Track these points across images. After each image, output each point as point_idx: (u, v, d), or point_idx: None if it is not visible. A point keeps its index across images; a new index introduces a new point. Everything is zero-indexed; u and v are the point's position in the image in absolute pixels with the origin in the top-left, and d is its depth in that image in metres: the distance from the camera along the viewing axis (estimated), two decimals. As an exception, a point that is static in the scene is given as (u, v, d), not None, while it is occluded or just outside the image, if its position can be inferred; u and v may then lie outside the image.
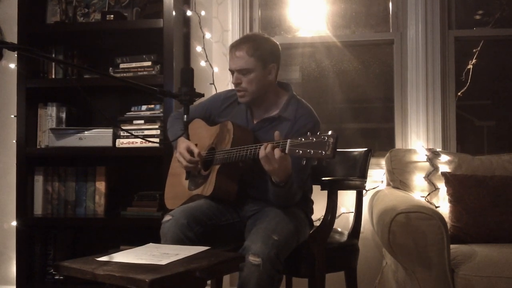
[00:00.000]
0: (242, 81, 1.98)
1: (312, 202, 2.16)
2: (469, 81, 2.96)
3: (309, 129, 1.90)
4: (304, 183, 1.98)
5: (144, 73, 2.72)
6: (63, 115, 2.83)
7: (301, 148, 1.60)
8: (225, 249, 1.95)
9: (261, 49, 1.97)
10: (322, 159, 1.56)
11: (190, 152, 1.98)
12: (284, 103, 2.05)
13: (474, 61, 2.99)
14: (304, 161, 1.62)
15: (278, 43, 2.07)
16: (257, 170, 1.83)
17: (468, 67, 2.98)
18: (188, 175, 2.11)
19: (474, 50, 2.99)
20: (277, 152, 1.68)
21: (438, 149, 2.68)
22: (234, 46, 2.01)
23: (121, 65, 2.75)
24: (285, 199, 1.90)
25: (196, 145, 2.00)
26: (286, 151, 1.65)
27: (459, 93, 2.91)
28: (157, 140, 2.63)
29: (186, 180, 2.12)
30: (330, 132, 1.56)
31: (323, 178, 2.01)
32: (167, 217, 1.90)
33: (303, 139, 1.61)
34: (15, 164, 2.76)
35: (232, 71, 2.02)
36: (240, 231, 2.00)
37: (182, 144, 2.00)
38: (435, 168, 2.55)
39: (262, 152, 1.71)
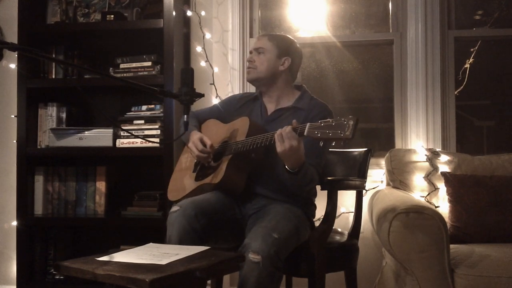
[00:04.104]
0: (255, 59, 2.13)
1: (315, 206, 2.16)
2: (466, 79, 2.97)
3: (324, 117, 1.94)
4: (321, 167, 2.02)
5: (144, 73, 2.72)
6: (63, 115, 2.83)
7: (320, 130, 1.64)
8: (225, 248, 1.96)
9: (279, 40, 2.15)
10: (341, 140, 1.59)
11: (203, 143, 2.03)
12: (298, 97, 2.14)
13: (471, 60, 2.99)
14: (322, 143, 1.64)
15: (300, 48, 2.20)
16: (268, 163, 1.84)
17: (465, 66, 2.99)
18: (195, 168, 2.12)
19: (472, 49, 3.00)
20: (291, 133, 1.73)
21: (438, 149, 2.68)
22: (260, 35, 2.24)
23: (121, 65, 2.76)
24: (299, 186, 1.93)
25: None
26: (305, 133, 1.68)
27: (456, 92, 2.92)
28: (157, 140, 2.63)
29: (193, 173, 2.13)
30: (350, 116, 1.60)
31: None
32: (174, 208, 1.91)
33: (322, 123, 1.64)
34: (15, 164, 2.76)
35: (250, 53, 2.18)
36: (241, 229, 2.01)
37: (195, 135, 2.06)
38: (435, 168, 2.55)
39: (278, 131, 1.76)
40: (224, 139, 2.09)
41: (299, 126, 1.73)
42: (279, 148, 1.75)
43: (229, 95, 2.71)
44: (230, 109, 2.25)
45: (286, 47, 2.14)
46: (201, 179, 2.07)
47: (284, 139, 1.73)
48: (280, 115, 2.10)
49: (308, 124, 1.69)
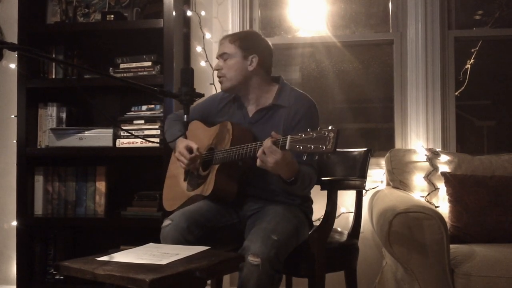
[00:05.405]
0: (222, 67, 2.06)
1: (311, 202, 2.16)
2: (467, 80, 2.97)
3: (306, 111, 1.95)
4: (316, 161, 1.93)
5: (144, 73, 2.72)
6: (63, 115, 2.83)
7: (301, 143, 1.60)
8: (225, 250, 1.95)
9: (243, 40, 2.05)
10: (323, 153, 1.56)
11: (189, 150, 1.98)
12: (276, 93, 2.06)
13: (472, 60, 2.99)
14: (305, 157, 1.62)
15: (267, 40, 2.12)
16: (257, 169, 1.83)
17: (466, 66, 2.99)
18: (186, 176, 2.10)
19: (472, 50, 3.00)
20: (272, 147, 1.67)
21: (438, 149, 2.68)
22: (222, 38, 2.13)
23: (121, 65, 2.75)
24: (299, 191, 1.92)
25: None
26: (287, 147, 1.65)
27: (457, 93, 2.92)
28: (157, 140, 2.63)
29: (184, 181, 2.11)
30: (330, 127, 1.56)
31: (323, 178, 2.01)
32: (166, 222, 1.90)
33: (303, 135, 1.60)
34: (15, 164, 2.76)
35: (217, 59, 2.11)
36: (239, 232, 2.00)
37: (181, 144, 2.01)
38: (435, 168, 2.55)
39: (260, 150, 1.70)
40: (210, 145, 2.07)
41: (279, 139, 1.68)
42: (263, 165, 1.71)
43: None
44: (212, 110, 2.21)
45: (249, 45, 2.03)
46: (192, 189, 2.05)
47: (267, 154, 1.68)
48: (262, 116, 2.05)
49: (288, 137, 1.64)
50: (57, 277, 2.79)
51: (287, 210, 1.93)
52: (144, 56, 2.73)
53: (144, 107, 2.75)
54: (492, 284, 1.84)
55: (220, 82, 2.09)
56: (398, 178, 2.60)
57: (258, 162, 1.71)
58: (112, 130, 2.70)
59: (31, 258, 2.78)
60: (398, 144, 2.92)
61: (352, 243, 2.12)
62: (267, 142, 1.69)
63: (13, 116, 2.88)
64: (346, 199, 2.77)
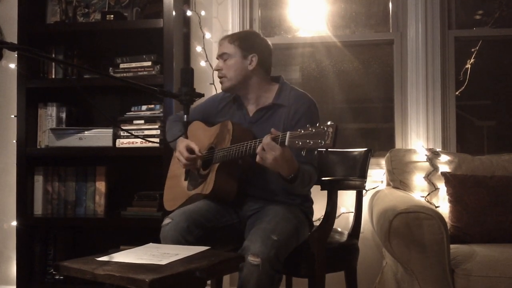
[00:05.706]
0: (222, 67, 2.06)
1: (312, 202, 2.16)
2: (467, 80, 2.97)
3: (306, 109, 1.95)
4: (316, 160, 1.97)
5: (144, 73, 2.72)
6: (63, 115, 2.83)
7: (300, 139, 1.60)
8: (225, 250, 1.95)
9: (242, 40, 2.06)
10: (322, 148, 1.56)
11: (190, 150, 1.98)
12: (276, 92, 2.07)
13: (472, 60, 2.99)
14: (304, 152, 1.62)
15: (267, 40, 2.13)
16: (257, 168, 1.83)
17: (466, 66, 2.99)
18: (187, 176, 2.11)
19: (473, 50, 3.00)
20: (271, 143, 1.68)
21: (438, 149, 2.68)
22: (221, 38, 2.14)
23: (121, 65, 2.75)
24: (299, 189, 1.91)
25: None
26: (286, 143, 1.65)
27: (457, 93, 2.92)
28: (157, 140, 2.63)
29: (185, 181, 2.11)
30: (329, 123, 1.56)
31: (323, 178, 2.01)
32: (166, 220, 1.90)
33: (302, 131, 1.61)
34: (15, 164, 2.76)
35: (217, 59, 2.12)
36: (239, 232, 2.00)
37: (182, 144, 2.01)
38: (435, 168, 2.55)
39: (259, 147, 1.70)
40: (210, 145, 2.07)
41: (279, 135, 1.68)
42: (262, 162, 1.71)
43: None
44: (212, 110, 2.21)
45: (249, 45, 2.04)
46: (192, 189, 2.05)
47: (266, 151, 1.68)
48: (262, 116, 2.05)
49: (288, 133, 1.64)
50: (57, 277, 2.79)
51: (287, 210, 1.93)
52: (144, 56, 2.73)
53: (144, 107, 2.75)
54: (492, 284, 1.84)
55: (221, 82, 2.09)
56: (398, 178, 2.60)
57: (258, 159, 1.71)
58: (112, 130, 2.70)
59: (31, 258, 2.78)
60: (398, 144, 2.92)
61: (352, 243, 2.12)
62: (266, 139, 1.69)
63: (13, 116, 2.87)
64: (346, 199, 2.77)
